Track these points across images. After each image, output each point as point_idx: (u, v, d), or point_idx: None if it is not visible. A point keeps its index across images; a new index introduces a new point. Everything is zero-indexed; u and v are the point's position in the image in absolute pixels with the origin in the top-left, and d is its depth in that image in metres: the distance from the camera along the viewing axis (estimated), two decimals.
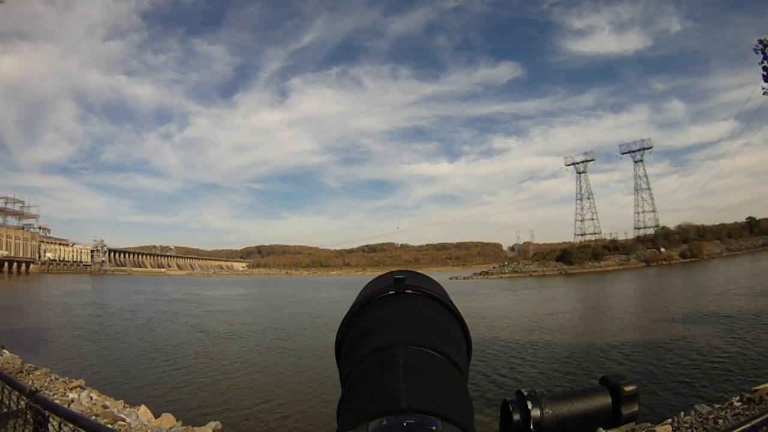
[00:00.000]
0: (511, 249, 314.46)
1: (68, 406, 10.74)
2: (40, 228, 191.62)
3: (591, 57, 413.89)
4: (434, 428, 0.50)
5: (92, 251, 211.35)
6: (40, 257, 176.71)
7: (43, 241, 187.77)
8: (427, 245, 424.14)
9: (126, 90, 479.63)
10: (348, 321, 0.77)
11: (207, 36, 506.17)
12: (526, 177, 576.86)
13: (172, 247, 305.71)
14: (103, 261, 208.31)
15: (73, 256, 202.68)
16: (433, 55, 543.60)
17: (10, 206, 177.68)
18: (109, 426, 8.54)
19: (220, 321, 43.32)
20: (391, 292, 0.77)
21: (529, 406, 0.68)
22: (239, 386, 19.81)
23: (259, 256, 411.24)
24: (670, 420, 11.31)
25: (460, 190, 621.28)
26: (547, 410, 0.68)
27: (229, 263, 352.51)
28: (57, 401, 11.08)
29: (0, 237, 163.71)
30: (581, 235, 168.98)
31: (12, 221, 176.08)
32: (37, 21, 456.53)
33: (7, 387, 3.53)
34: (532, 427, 0.67)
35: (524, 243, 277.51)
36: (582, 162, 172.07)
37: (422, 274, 0.86)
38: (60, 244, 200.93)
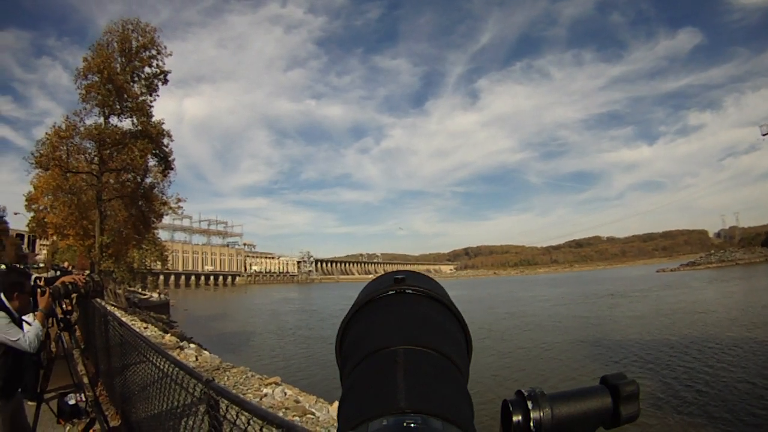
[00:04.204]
0: (717, 235, 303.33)
1: (260, 400, 11.12)
2: (245, 244, 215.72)
3: (763, 9, 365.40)
4: (434, 428, 0.51)
5: (299, 262, 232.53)
6: (245, 270, 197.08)
7: (248, 256, 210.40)
8: (632, 236, 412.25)
9: (317, 112, 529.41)
10: (348, 321, 0.75)
11: (387, 51, 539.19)
12: (725, 153, 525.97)
13: (379, 254, 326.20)
14: (309, 270, 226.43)
15: (279, 267, 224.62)
16: (611, 34, 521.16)
17: (213, 227, 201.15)
18: (289, 418, 8.39)
19: None
20: (391, 292, 0.75)
21: (530, 406, 0.69)
22: None
23: (467, 257, 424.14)
24: None
25: (662, 174, 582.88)
26: (547, 410, 0.69)
27: (436, 266, 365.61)
28: (250, 395, 11.42)
29: (206, 254, 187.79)
30: None
31: (216, 240, 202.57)
32: (212, 64, 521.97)
33: (187, 376, 3.97)
34: (532, 426, 0.68)
35: (730, 228, 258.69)
36: None
37: (422, 274, 0.82)
38: (265, 257, 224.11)
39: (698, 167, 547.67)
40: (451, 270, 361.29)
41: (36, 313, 4.92)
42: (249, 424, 2.86)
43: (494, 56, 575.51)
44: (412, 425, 0.50)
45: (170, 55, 33.41)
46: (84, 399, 5.83)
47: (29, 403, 5.40)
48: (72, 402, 5.85)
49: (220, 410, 3.25)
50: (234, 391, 5.20)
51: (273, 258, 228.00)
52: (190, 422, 3.90)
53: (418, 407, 0.53)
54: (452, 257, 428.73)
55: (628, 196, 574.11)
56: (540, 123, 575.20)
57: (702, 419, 15.08)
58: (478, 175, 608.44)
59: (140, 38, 31.61)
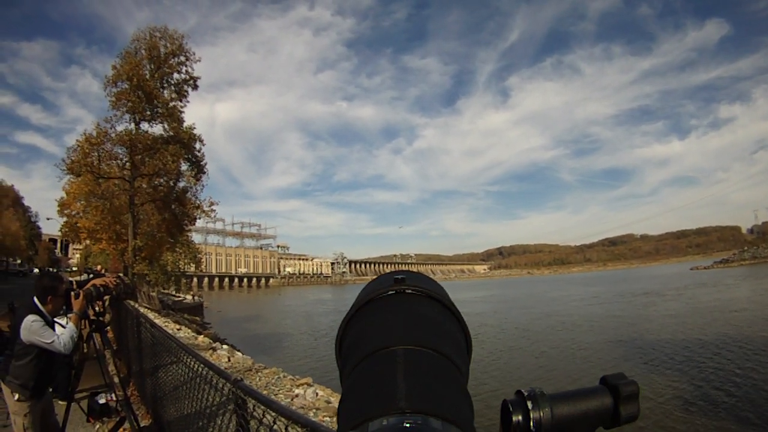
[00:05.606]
0: (750, 231, 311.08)
1: (291, 400, 11.24)
2: (279, 246, 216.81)
3: None
4: (434, 428, 0.51)
5: (332, 263, 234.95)
6: (279, 272, 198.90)
7: (282, 258, 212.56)
8: (666, 234, 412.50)
9: (348, 114, 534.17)
10: (348, 321, 0.75)
11: (416, 51, 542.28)
12: (757, 146, 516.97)
13: (413, 255, 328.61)
14: (343, 272, 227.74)
15: (312, 269, 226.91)
16: (639, 26, 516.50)
17: (246, 230, 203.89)
18: (319, 418, 8.44)
19: None
20: (391, 292, 0.75)
21: (530, 406, 0.69)
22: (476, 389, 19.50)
23: (500, 257, 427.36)
24: None
25: (695, 169, 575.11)
26: (547, 410, 0.70)
27: (470, 266, 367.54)
28: (281, 395, 11.50)
29: (239, 257, 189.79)
30: None
31: (249, 242, 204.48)
32: (243, 68, 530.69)
33: (216, 376, 4.07)
34: (532, 426, 0.69)
35: (762, 224, 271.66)
36: None
37: (422, 274, 0.82)
38: (299, 259, 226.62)
39: (730, 161, 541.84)
40: (484, 270, 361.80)
41: (70, 315, 5.03)
42: (275, 423, 2.94)
43: (524, 53, 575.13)
44: (412, 425, 0.50)
45: (199, 61, 33.84)
46: (114, 398, 5.95)
47: (60, 402, 5.57)
48: (102, 401, 6.00)
49: (248, 409, 3.32)
50: (262, 391, 5.28)
51: (307, 259, 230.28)
52: (219, 421, 4.03)
53: (418, 407, 0.53)
54: (486, 257, 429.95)
55: (661, 192, 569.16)
56: (571, 120, 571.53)
57: (731, 422, 14.79)
58: (510, 174, 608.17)
59: (168, 45, 32.14)
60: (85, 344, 5.50)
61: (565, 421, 0.70)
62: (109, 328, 6.75)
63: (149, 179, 32.32)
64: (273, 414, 2.98)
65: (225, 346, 19.84)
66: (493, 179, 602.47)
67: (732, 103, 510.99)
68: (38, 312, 4.76)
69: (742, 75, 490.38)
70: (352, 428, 0.53)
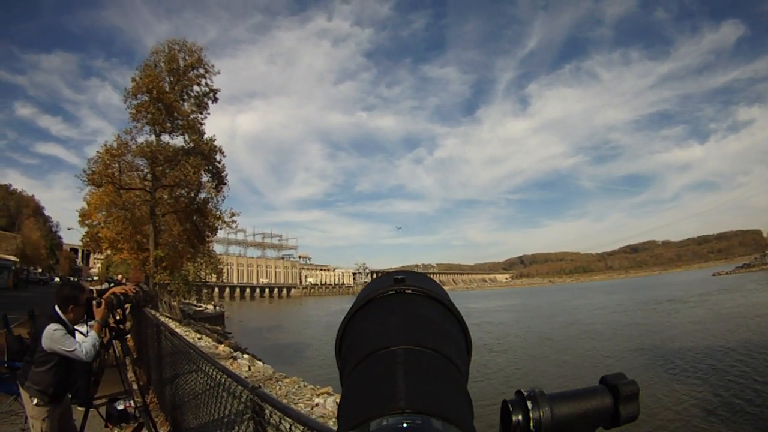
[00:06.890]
0: None
1: (311, 409, 11.24)
2: (300, 257, 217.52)
3: None
4: (434, 428, 0.51)
5: (354, 273, 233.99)
6: (301, 282, 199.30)
7: (303, 268, 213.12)
8: (687, 239, 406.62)
9: (369, 124, 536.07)
10: (348, 321, 0.76)
11: (435, 61, 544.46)
12: None
13: (434, 264, 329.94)
14: (365, 282, 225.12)
15: (334, 279, 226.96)
16: (656, 30, 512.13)
17: (268, 240, 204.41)
18: (334, 429, 8.45)
19: (486, 332, 44.13)
20: (391, 292, 0.76)
21: (529, 406, 0.70)
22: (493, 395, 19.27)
23: (522, 266, 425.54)
24: None
25: (715, 173, 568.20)
26: (547, 410, 0.70)
27: (492, 276, 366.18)
28: (301, 405, 11.50)
29: (260, 267, 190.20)
30: None
31: (271, 253, 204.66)
32: (264, 80, 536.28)
33: (235, 383, 4.18)
34: (532, 427, 0.69)
35: None
36: None
37: (422, 274, 0.83)
38: (321, 269, 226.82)
39: (750, 164, 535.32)
40: (506, 279, 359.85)
41: (91, 323, 5.11)
42: (291, 430, 3.01)
43: (542, 60, 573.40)
44: (413, 425, 0.50)
45: (218, 73, 34.10)
46: (133, 405, 6.02)
47: (78, 408, 5.69)
48: (121, 407, 6.08)
49: (265, 416, 3.37)
50: (279, 399, 5.29)
51: (328, 270, 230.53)
52: (237, 429, 4.13)
53: (418, 407, 0.53)
54: (507, 266, 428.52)
55: (683, 197, 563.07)
56: (591, 126, 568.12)
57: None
58: (531, 182, 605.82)
59: (187, 57, 32.54)
60: (105, 352, 5.58)
61: (564, 421, 0.70)
62: (129, 336, 6.80)
63: (170, 190, 32.64)
64: (289, 421, 3.02)
65: (246, 356, 19.90)
66: (514, 188, 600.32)
67: (750, 106, 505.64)
68: (59, 320, 4.83)
69: (759, 76, 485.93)
70: (352, 428, 0.53)
